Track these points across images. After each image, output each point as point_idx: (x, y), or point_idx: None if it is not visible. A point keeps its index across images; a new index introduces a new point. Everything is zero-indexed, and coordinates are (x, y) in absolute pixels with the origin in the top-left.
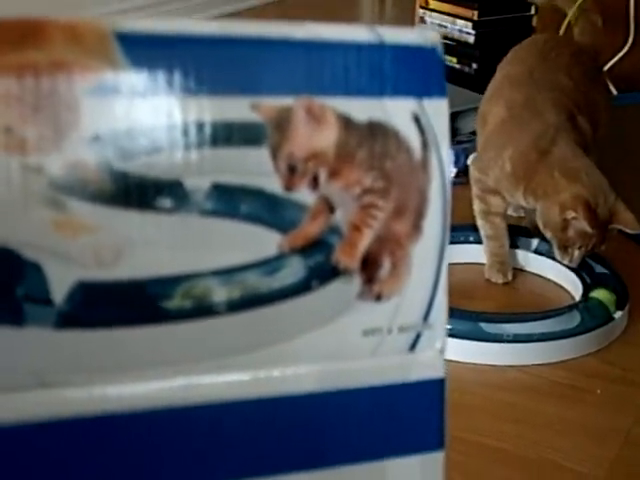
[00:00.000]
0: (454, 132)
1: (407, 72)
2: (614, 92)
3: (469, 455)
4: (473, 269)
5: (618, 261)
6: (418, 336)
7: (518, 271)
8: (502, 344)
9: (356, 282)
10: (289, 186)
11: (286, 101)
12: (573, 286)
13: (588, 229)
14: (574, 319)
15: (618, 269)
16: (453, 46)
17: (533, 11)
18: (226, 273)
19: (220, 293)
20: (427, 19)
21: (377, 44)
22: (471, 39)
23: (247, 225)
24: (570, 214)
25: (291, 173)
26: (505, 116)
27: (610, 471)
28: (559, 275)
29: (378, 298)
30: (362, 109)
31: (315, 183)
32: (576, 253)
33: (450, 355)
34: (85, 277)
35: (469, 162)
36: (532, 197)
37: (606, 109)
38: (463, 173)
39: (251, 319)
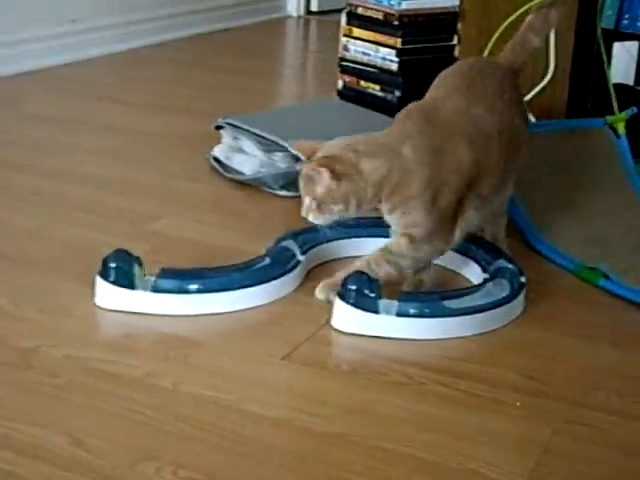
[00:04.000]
0: None
1: None
2: (533, 120)
3: (390, 464)
4: None
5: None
6: None
7: None
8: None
9: None
10: None
11: None
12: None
13: None
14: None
15: None
16: (376, 74)
17: (456, 40)
18: None
19: None
20: (350, 47)
21: None
22: (394, 67)
23: None
24: None
25: None
26: None
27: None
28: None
29: None
30: None
31: None
32: None
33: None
34: None
35: None
36: None
37: (525, 132)
38: None
39: None
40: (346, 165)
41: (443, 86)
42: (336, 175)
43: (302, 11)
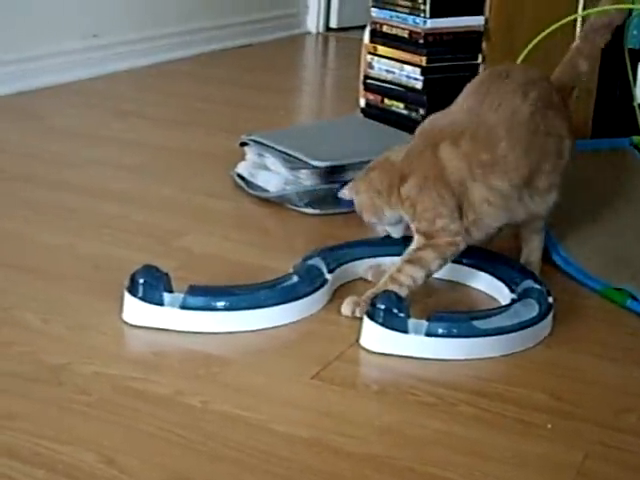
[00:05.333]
0: None
1: None
2: None
3: None
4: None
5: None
6: None
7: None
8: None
9: None
10: None
11: None
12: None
13: None
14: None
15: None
16: (401, 92)
17: (480, 59)
18: None
19: None
20: (375, 64)
21: None
22: (419, 85)
23: None
24: None
25: None
26: None
27: None
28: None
29: None
30: None
31: None
32: None
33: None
34: None
35: None
36: None
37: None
38: None
39: None
40: (354, 185)
41: (465, 90)
42: (352, 192)
43: (321, 28)
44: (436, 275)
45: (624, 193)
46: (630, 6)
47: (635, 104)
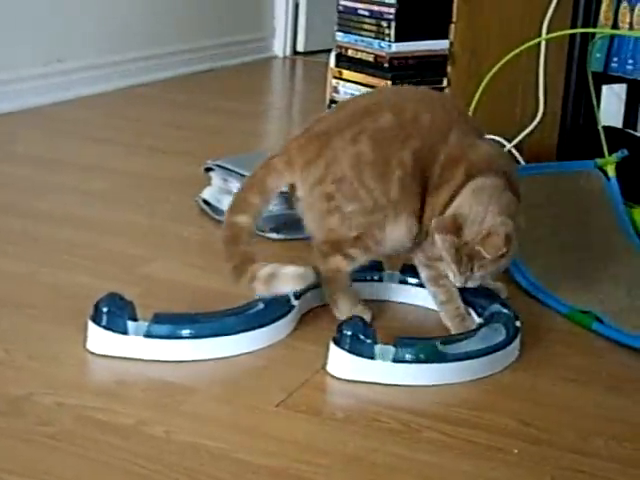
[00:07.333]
0: None
1: None
2: (522, 163)
3: None
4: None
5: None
6: None
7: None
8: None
9: None
10: None
11: None
12: None
13: None
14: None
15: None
16: None
17: (445, 83)
18: None
19: None
20: (340, 89)
21: None
22: None
23: None
24: None
25: None
26: None
27: None
28: None
29: None
30: None
31: None
32: None
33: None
34: None
35: None
36: None
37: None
38: None
39: None
40: None
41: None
42: None
43: (288, 51)
44: (400, 299)
45: (588, 216)
46: (589, 30)
47: (599, 127)
